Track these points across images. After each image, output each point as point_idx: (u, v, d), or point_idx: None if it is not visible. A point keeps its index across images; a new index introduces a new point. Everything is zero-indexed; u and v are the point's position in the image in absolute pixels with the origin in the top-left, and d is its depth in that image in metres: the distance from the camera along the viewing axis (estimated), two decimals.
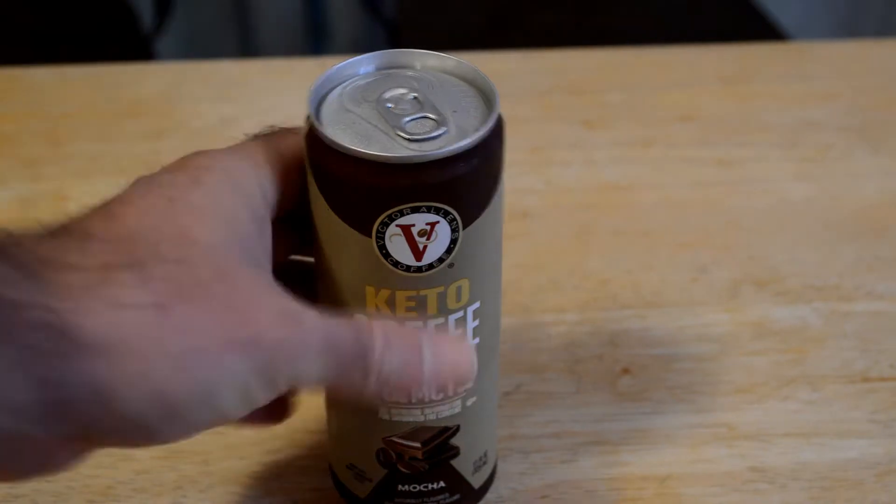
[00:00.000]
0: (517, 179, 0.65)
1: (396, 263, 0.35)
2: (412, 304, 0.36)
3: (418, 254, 0.35)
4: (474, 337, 0.38)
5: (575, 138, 0.70)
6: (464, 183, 0.34)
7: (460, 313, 0.37)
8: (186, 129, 0.69)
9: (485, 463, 0.42)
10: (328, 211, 0.35)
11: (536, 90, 0.75)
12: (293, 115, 0.72)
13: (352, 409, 0.40)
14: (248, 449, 0.47)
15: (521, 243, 0.60)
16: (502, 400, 0.49)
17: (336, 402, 0.41)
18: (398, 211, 0.34)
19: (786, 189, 0.65)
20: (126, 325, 0.30)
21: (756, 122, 0.72)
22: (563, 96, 0.74)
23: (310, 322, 0.33)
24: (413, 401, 0.38)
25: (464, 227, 0.35)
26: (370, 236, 0.34)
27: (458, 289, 0.36)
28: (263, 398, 0.33)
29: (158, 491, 0.45)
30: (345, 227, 0.35)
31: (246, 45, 1.89)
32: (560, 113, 0.72)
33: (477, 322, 0.37)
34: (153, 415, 0.31)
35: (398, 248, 0.35)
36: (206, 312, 0.32)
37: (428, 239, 0.35)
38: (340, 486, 0.43)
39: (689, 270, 0.58)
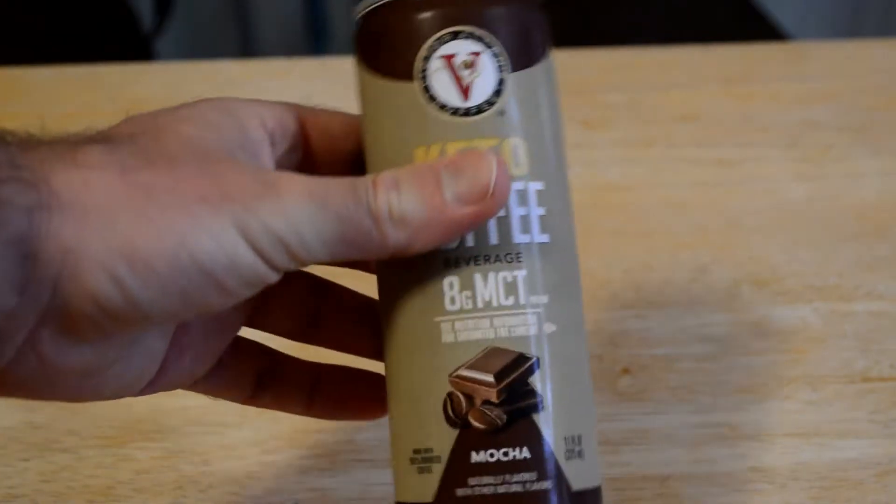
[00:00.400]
0: None
1: (443, 106, 0.34)
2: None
3: (463, 91, 0.34)
4: (542, 232, 0.34)
5: (575, 138, 0.69)
6: (502, 12, 0.34)
7: (520, 184, 0.34)
8: None
9: (580, 453, 0.34)
10: (372, 79, 0.35)
11: None
12: None
13: (412, 343, 0.34)
14: (247, 449, 0.47)
15: None
16: None
17: (396, 347, 0.35)
18: (437, 39, 0.34)
19: (786, 189, 0.65)
20: (91, 182, 0.30)
21: (756, 122, 0.72)
22: (562, 96, 0.74)
23: (294, 178, 0.32)
24: (451, 243, 0.33)
25: (512, 70, 0.34)
26: (413, 79, 0.34)
27: (515, 148, 0.34)
28: (254, 262, 0.31)
29: (158, 491, 0.45)
30: (389, 85, 0.34)
31: (246, 44, 1.89)
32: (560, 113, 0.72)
33: (543, 211, 0.34)
34: (124, 271, 0.29)
35: (442, 84, 0.34)
36: (174, 176, 0.31)
37: (472, 72, 0.34)
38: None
39: (689, 270, 0.58)
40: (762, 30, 1.30)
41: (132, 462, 0.46)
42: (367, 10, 0.35)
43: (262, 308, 0.38)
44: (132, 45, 1.31)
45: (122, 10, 1.35)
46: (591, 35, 1.30)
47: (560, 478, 0.33)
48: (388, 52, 0.35)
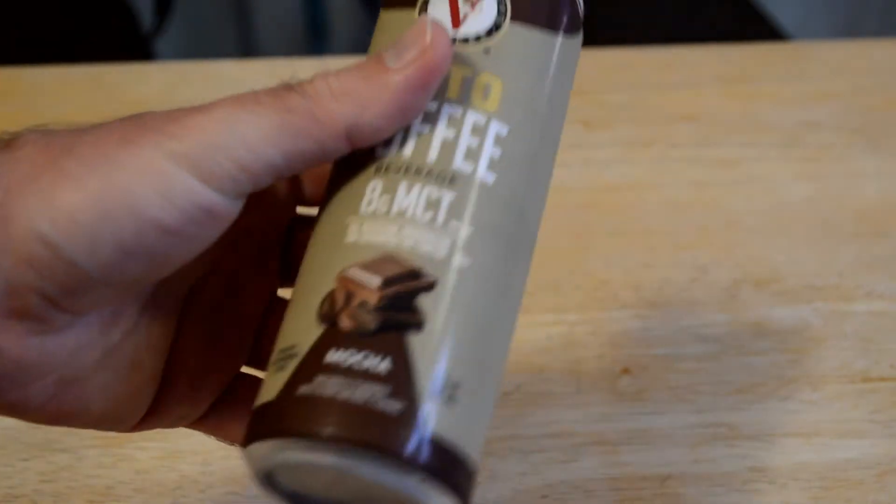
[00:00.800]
0: None
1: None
2: None
3: (456, 19, 0.34)
4: (489, 170, 0.32)
5: (574, 138, 0.70)
6: None
7: (481, 118, 0.33)
8: None
9: (454, 399, 0.30)
10: (382, 14, 0.36)
11: None
12: None
13: (319, 242, 0.32)
14: None
15: None
16: (502, 400, 0.49)
17: (308, 247, 0.33)
18: None
19: (786, 189, 0.65)
20: (20, 157, 0.29)
21: (756, 122, 0.72)
22: None
23: (217, 101, 0.31)
24: (406, 119, 0.32)
25: (513, 19, 0.34)
26: (415, 6, 0.34)
27: (488, 86, 0.33)
28: (190, 185, 0.29)
29: (159, 491, 0.45)
30: (392, 14, 0.35)
31: (246, 44, 1.89)
32: None
33: (498, 153, 0.33)
34: (47, 228, 0.28)
35: (438, 10, 0.34)
36: (96, 133, 0.30)
37: (472, 7, 0.34)
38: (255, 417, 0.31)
39: (689, 270, 0.58)
40: (762, 30, 1.30)
41: (132, 462, 0.46)
42: None
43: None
44: (132, 45, 1.31)
45: (122, 10, 1.35)
46: (591, 35, 1.30)
47: (416, 410, 0.29)
48: None
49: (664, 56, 0.80)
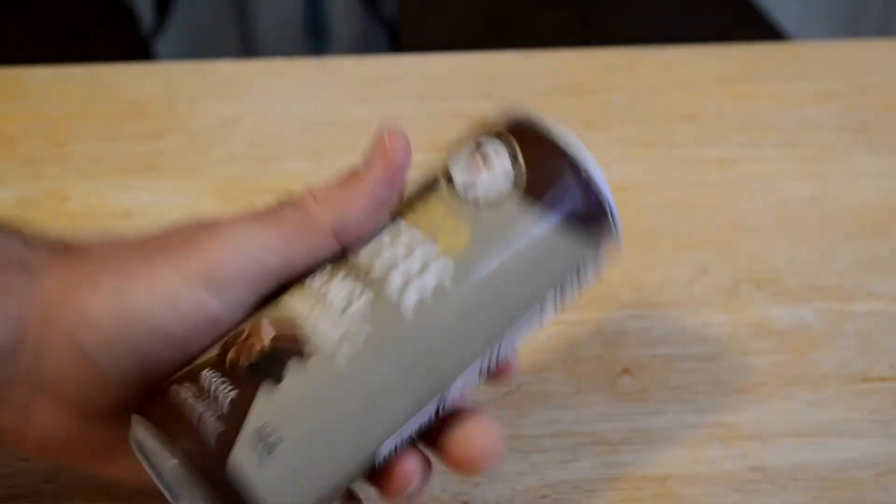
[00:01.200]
0: None
1: (446, 170, 0.38)
2: (422, 209, 0.37)
3: (470, 171, 0.37)
4: (417, 293, 0.35)
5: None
6: (559, 163, 0.37)
7: (433, 251, 0.36)
8: (187, 129, 0.69)
9: (269, 450, 0.33)
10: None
11: (537, 90, 0.75)
12: (294, 114, 0.72)
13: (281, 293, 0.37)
14: None
15: None
16: (503, 400, 0.49)
17: None
18: (489, 132, 0.38)
19: (786, 189, 0.65)
20: (64, 273, 0.36)
21: (756, 122, 0.72)
22: (563, 97, 0.74)
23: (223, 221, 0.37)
24: (381, 218, 0.38)
25: (517, 188, 0.37)
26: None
27: (458, 231, 0.36)
28: (194, 296, 0.35)
29: (159, 491, 0.45)
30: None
31: (246, 44, 1.89)
32: (560, 113, 0.72)
33: (432, 286, 0.35)
34: (81, 337, 0.35)
35: (459, 156, 0.38)
36: (126, 252, 0.37)
37: (486, 165, 0.37)
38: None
39: (689, 270, 0.58)
40: (762, 30, 1.30)
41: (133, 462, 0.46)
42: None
43: None
44: (132, 45, 1.31)
45: (122, 10, 1.35)
46: (591, 35, 1.30)
47: (232, 440, 0.33)
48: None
49: (664, 56, 0.80)
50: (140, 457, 0.36)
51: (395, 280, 0.36)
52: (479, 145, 0.38)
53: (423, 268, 0.36)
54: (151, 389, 0.35)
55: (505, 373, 0.39)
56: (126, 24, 1.33)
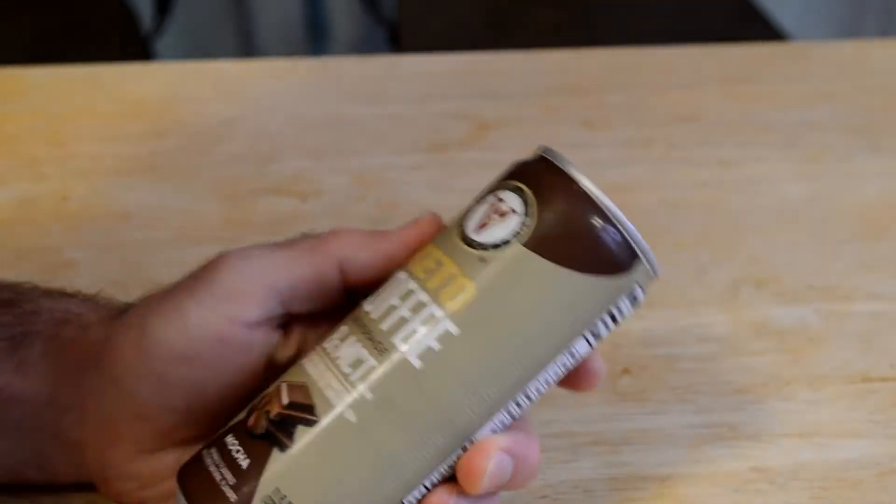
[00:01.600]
0: None
1: (460, 223, 0.37)
2: (432, 264, 0.37)
3: (482, 223, 0.37)
4: (420, 358, 0.35)
5: (575, 139, 0.70)
6: (571, 210, 0.36)
7: (439, 313, 0.36)
8: (187, 129, 0.69)
9: None
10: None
11: (537, 91, 0.75)
12: (293, 115, 0.72)
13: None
14: None
15: None
16: None
17: None
18: (508, 185, 0.37)
19: (786, 189, 0.65)
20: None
21: (756, 122, 0.72)
22: (563, 97, 0.74)
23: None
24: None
25: (524, 243, 0.36)
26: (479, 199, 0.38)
27: (463, 289, 0.36)
28: (224, 327, 0.37)
29: None
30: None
31: (246, 44, 1.89)
32: (560, 113, 0.72)
33: (438, 347, 0.35)
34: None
35: (476, 209, 0.37)
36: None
37: (499, 218, 0.36)
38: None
39: (689, 271, 0.58)
40: (763, 30, 1.31)
41: None
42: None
43: None
44: (132, 45, 1.31)
45: (122, 10, 1.35)
46: (591, 35, 1.30)
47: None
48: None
49: (664, 57, 0.80)
50: None
51: (402, 341, 0.35)
52: (495, 196, 0.37)
53: (430, 327, 0.35)
54: (192, 454, 0.38)
55: (587, 379, 0.39)
56: (126, 24, 1.33)
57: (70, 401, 0.40)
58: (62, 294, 0.43)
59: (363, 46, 1.87)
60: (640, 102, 0.73)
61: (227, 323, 0.37)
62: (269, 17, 1.87)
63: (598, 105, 0.73)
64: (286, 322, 0.40)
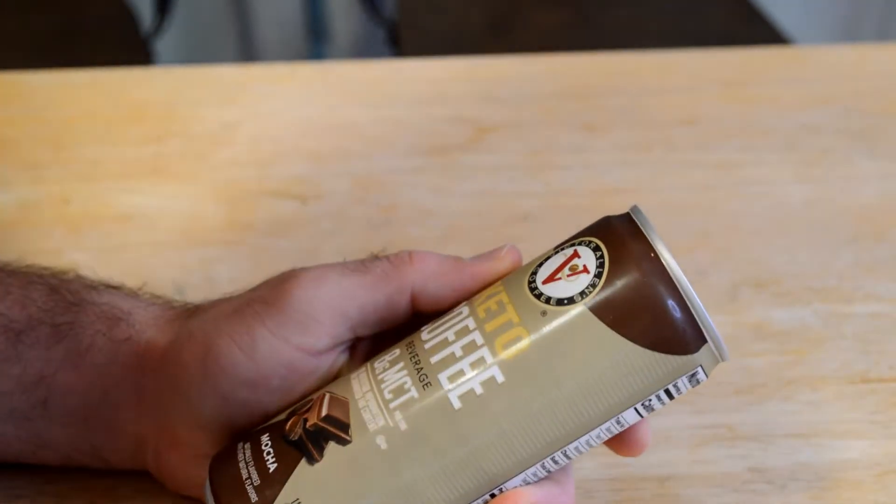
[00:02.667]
0: (517, 182, 0.65)
1: (533, 271, 0.37)
2: (494, 305, 0.36)
3: (552, 276, 0.36)
4: (461, 398, 0.35)
5: (575, 142, 0.70)
6: (643, 288, 0.35)
7: (489, 358, 0.35)
8: (188, 133, 0.69)
9: None
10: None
11: (537, 94, 0.75)
12: (294, 119, 0.72)
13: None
14: None
15: (520, 245, 0.60)
16: None
17: None
18: (584, 241, 0.37)
19: (785, 192, 0.65)
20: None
21: (756, 125, 0.72)
22: (563, 100, 0.74)
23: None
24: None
25: (588, 305, 0.35)
26: (556, 250, 0.38)
27: (518, 339, 0.35)
28: (277, 347, 0.37)
29: (159, 492, 0.45)
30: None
31: (246, 45, 1.89)
32: (560, 117, 0.73)
33: (480, 391, 0.35)
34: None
35: (550, 261, 0.37)
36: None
37: (570, 275, 0.36)
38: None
39: (689, 273, 0.58)
40: (762, 33, 1.31)
41: None
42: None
43: None
44: (132, 46, 1.31)
45: (122, 10, 1.35)
46: (590, 36, 1.30)
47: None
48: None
49: (664, 60, 0.80)
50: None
51: (447, 379, 0.35)
52: (573, 249, 0.37)
53: (477, 370, 0.35)
54: (227, 443, 0.39)
55: (630, 447, 0.38)
56: (126, 24, 1.34)
57: (127, 398, 0.40)
58: (106, 286, 0.43)
59: (363, 47, 1.87)
60: (640, 105, 0.73)
61: (297, 351, 0.38)
62: (269, 16, 1.87)
63: (597, 108, 0.73)
64: (353, 343, 0.40)
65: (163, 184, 0.65)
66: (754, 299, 0.56)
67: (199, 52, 1.85)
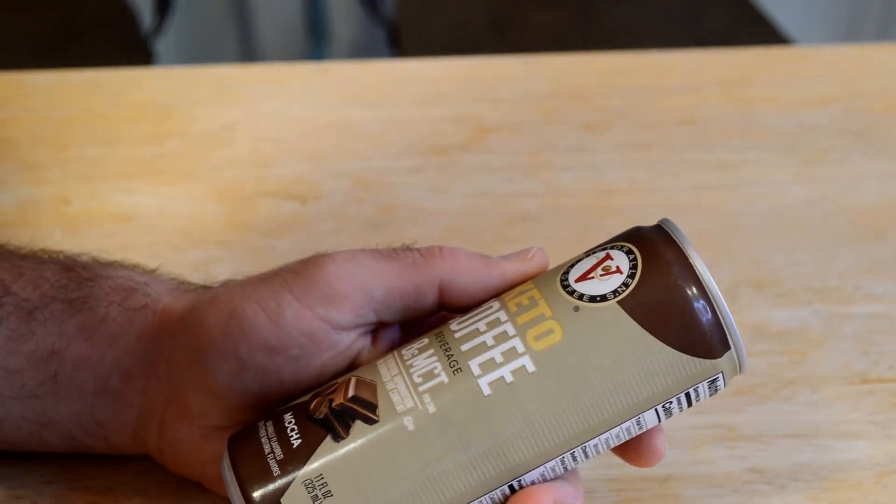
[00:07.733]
0: (517, 182, 0.65)
1: (565, 271, 0.38)
2: (526, 300, 0.37)
3: (585, 274, 0.37)
4: (491, 385, 0.36)
5: (575, 142, 0.70)
6: (675, 287, 0.36)
7: (521, 347, 0.36)
8: (188, 133, 0.69)
9: (321, 499, 0.35)
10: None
11: (537, 94, 0.75)
12: (294, 119, 0.72)
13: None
14: None
15: (520, 245, 0.60)
16: None
17: None
18: (617, 244, 0.38)
19: (785, 192, 0.65)
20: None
21: (756, 125, 0.72)
22: (563, 100, 0.74)
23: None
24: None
25: (620, 302, 0.36)
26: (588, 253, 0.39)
27: (550, 331, 0.36)
28: (301, 317, 0.38)
29: (159, 492, 0.45)
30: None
31: (246, 45, 1.89)
32: (560, 117, 0.73)
33: (511, 379, 0.36)
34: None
35: (583, 261, 0.38)
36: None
37: (603, 275, 0.37)
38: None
39: None
40: (762, 33, 1.31)
41: (134, 463, 0.46)
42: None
43: None
44: (132, 45, 1.31)
45: (122, 10, 1.35)
46: (591, 36, 1.30)
47: (287, 483, 0.36)
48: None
49: (663, 60, 0.80)
50: (225, 479, 0.38)
51: (475, 368, 0.36)
52: (605, 252, 0.38)
53: (508, 358, 0.36)
54: (247, 421, 0.39)
55: (645, 455, 0.39)
56: (126, 24, 1.34)
57: (138, 366, 0.40)
58: (121, 265, 0.44)
59: (363, 47, 1.87)
60: (640, 106, 0.73)
61: (319, 322, 0.38)
62: (269, 17, 1.87)
63: (597, 108, 0.73)
64: (375, 329, 0.40)
65: (162, 184, 0.65)
66: (754, 299, 0.56)
67: (199, 53, 1.85)
